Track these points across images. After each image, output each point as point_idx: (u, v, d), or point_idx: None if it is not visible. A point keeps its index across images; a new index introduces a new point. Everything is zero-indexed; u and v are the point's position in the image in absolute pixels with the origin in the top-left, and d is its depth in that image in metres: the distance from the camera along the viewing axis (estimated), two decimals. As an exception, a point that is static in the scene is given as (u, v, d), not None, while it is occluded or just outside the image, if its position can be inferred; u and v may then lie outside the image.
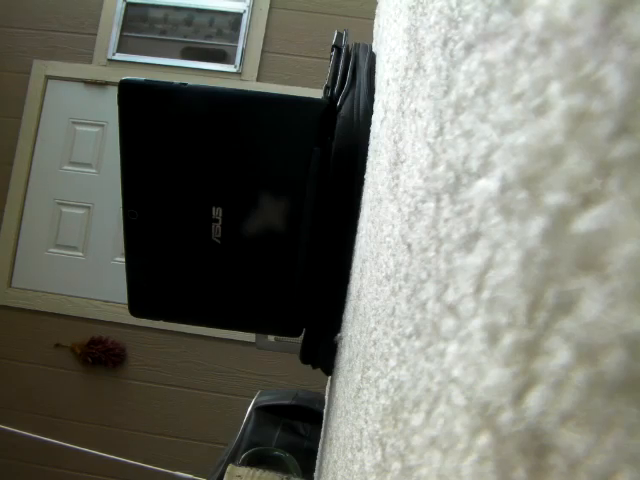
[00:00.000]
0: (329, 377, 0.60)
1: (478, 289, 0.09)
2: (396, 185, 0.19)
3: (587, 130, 0.07)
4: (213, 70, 2.15)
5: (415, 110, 0.17)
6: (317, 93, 0.47)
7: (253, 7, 2.17)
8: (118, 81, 0.42)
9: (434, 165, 0.13)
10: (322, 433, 0.71)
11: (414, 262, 0.13)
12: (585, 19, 0.07)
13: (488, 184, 0.09)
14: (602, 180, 0.06)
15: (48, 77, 2.17)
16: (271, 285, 0.48)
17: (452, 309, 0.10)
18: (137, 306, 0.50)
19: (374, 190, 0.28)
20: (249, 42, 2.15)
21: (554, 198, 0.07)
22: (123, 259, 0.48)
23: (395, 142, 0.21)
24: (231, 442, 1.20)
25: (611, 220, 0.06)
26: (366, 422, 0.18)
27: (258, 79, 2.13)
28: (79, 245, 2.14)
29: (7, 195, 2.13)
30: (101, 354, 2.05)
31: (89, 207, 2.15)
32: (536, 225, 0.07)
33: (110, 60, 2.17)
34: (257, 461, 0.92)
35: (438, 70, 0.14)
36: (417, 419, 0.11)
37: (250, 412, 1.25)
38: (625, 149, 0.06)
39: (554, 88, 0.07)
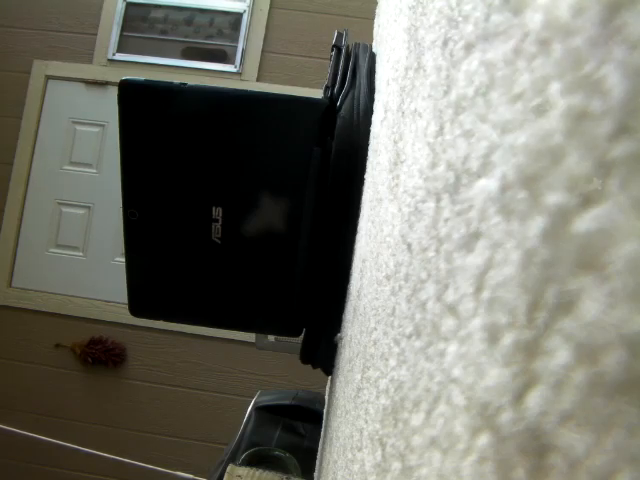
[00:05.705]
0: (329, 377, 0.60)
1: (478, 289, 0.09)
2: (396, 185, 0.19)
3: (587, 130, 0.07)
4: (213, 70, 2.15)
5: (415, 110, 0.17)
6: (317, 93, 0.47)
7: (253, 7, 2.17)
8: (118, 81, 0.42)
9: (434, 165, 0.13)
10: (322, 433, 0.71)
11: (414, 262, 0.13)
12: (585, 19, 0.07)
13: (488, 184, 0.09)
14: (602, 180, 0.06)
15: (48, 77, 2.17)
16: (271, 285, 0.48)
17: (452, 309, 0.10)
18: (137, 306, 0.50)
19: (374, 190, 0.28)
20: (249, 42, 2.15)
21: (554, 198, 0.07)
22: (123, 259, 0.48)
23: (395, 142, 0.21)
24: (231, 442, 1.20)
25: (611, 220, 0.06)
26: (366, 422, 0.18)
27: (258, 79, 2.13)
28: (79, 245, 2.14)
29: (7, 195, 2.13)
30: (101, 354, 2.05)
31: (89, 207, 2.15)
32: (536, 225, 0.07)
33: (110, 60, 2.17)
34: (257, 461, 0.92)
35: (438, 70, 0.14)
36: (417, 419, 0.11)
37: (250, 412, 1.25)
38: (625, 149, 0.06)
39: (554, 88, 0.07)
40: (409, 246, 0.14)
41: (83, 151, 2.16)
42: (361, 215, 0.37)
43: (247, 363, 2.04)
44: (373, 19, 0.60)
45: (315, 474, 0.68)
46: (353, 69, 0.46)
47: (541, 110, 0.08)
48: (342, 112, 0.42)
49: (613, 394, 0.06)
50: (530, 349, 0.07)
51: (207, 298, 0.49)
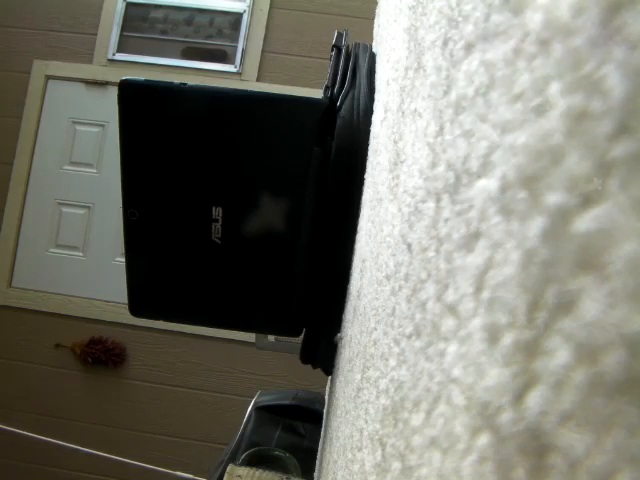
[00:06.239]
0: (329, 377, 0.60)
1: (478, 289, 0.09)
2: (396, 185, 0.19)
3: (587, 130, 0.07)
4: (213, 70, 2.15)
5: (415, 110, 0.17)
6: (317, 93, 0.47)
7: (253, 7, 2.17)
8: (118, 81, 0.42)
9: (434, 165, 0.13)
10: (322, 433, 0.71)
11: (414, 262, 0.13)
12: (585, 19, 0.07)
13: (488, 184, 0.09)
14: (602, 180, 0.06)
15: (48, 77, 2.17)
16: (271, 285, 0.48)
17: (452, 309, 0.10)
18: (137, 306, 0.50)
19: (374, 190, 0.28)
20: (249, 42, 2.15)
21: (554, 198, 0.07)
22: (123, 259, 0.48)
23: (395, 142, 0.21)
24: (231, 442, 1.20)
25: (611, 220, 0.06)
26: (366, 422, 0.18)
27: (258, 79, 2.13)
28: (80, 245, 2.14)
29: (7, 195, 2.13)
30: (101, 354, 2.05)
31: (89, 207, 2.15)
32: (536, 225, 0.07)
33: (110, 60, 2.17)
34: (257, 461, 0.92)
35: (438, 70, 0.14)
36: (417, 419, 0.11)
37: (250, 412, 1.25)
38: (625, 149, 0.06)
39: (554, 88, 0.07)
40: (409, 246, 0.14)
41: (83, 151, 2.16)
42: (361, 215, 0.37)
43: (247, 363, 2.04)
44: (373, 19, 0.60)
45: (315, 474, 0.68)
46: (353, 69, 0.46)
47: (541, 110, 0.08)
48: (342, 112, 0.42)
49: (613, 394, 0.06)
50: (530, 349, 0.07)
51: (207, 298, 0.49)
